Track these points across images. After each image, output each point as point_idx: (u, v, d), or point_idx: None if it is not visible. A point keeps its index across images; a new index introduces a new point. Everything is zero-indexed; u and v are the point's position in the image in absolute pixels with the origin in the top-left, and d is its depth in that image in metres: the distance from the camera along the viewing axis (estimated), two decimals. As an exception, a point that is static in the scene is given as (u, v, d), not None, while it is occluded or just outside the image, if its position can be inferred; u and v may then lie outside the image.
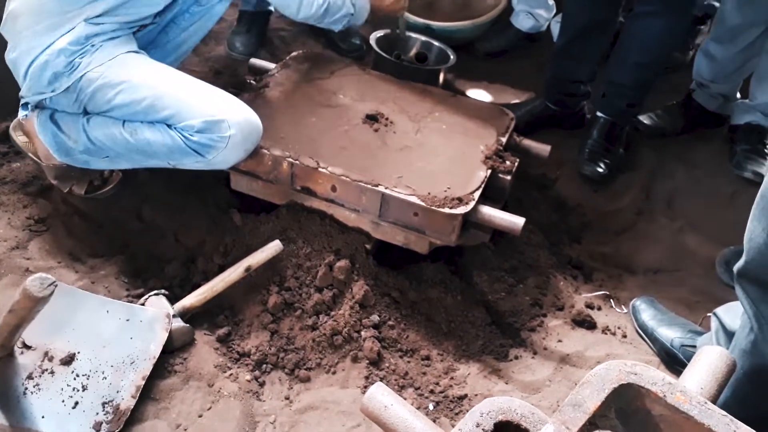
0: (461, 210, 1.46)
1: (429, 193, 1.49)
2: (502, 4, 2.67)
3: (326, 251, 1.53)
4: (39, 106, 1.59)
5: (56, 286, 1.03)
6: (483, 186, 1.53)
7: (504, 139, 1.71)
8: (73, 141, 1.56)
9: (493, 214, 1.50)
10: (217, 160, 1.49)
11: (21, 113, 1.63)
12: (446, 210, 1.46)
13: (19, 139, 1.71)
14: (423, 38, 2.25)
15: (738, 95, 2.32)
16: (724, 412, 0.66)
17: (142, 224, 1.67)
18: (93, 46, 1.49)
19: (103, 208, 1.70)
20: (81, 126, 1.54)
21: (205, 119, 1.44)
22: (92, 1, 1.47)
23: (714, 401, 0.75)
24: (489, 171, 1.58)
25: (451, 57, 2.17)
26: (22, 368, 1.28)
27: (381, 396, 0.80)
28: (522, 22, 2.68)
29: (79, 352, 1.32)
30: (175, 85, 1.50)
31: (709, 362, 0.80)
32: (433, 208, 1.46)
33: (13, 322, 1.08)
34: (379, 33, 2.18)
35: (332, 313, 1.47)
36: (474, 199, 1.48)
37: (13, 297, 1.21)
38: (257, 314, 1.46)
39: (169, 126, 1.47)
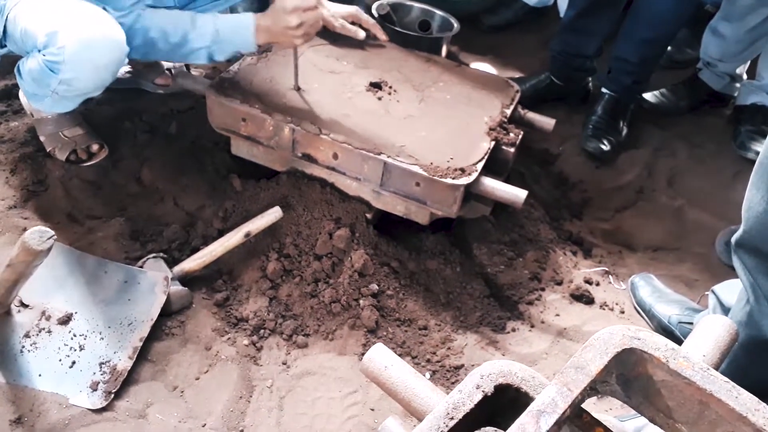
0: (463, 181, 1.45)
1: (431, 163, 1.47)
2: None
3: (326, 219, 1.52)
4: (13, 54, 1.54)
5: (55, 239, 1.01)
6: (486, 157, 1.52)
7: (509, 111, 1.69)
8: (34, 86, 1.50)
9: (495, 186, 1.49)
10: (70, 77, 1.35)
11: None
12: (448, 180, 1.44)
13: (21, 94, 1.69)
14: (426, 7, 2.22)
15: (744, 76, 2.30)
16: (726, 379, 0.66)
17: (141, 187, 1.66)
18: None
19: (102, 171, 1.69)
20: (23, 67, 1.47)
21: (46, 32, 1.32)
22: None
23: (716, 369, 0.75)
24: (492, 143, 1.56)
25: (455, 26, 2.14)
26: (19, 326, 1.28)
27: (381, 356, 0.80)
28: (529, -5, 2.64)
29: (76, 312, 1.31)
30: (47, 7, 1.39)
31: (712, 330, 0.79)
32: (435, 178, 1.44)
33: (12, 277, 1.07)
34: (383, 1, 2.14)
35: (331, 281, 1.46)
36: (477, 171, 1.47)
37: (10, 254, 1.20)
38: (256, 280, 1.45)
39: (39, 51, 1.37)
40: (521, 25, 2.67)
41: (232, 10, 1.87)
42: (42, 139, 1.69)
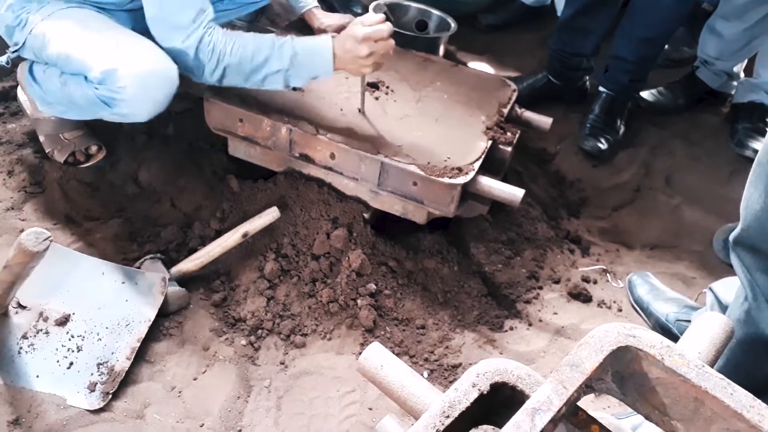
0: (461, 180, 1.45)
1: (428, 163, 1.47)
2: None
3: (324, 219, 1.52)
4: (22, 58, 1.56)
5: (51, 240, 1.02)
6: (483, 157, 1.52)
7: (505, 111, 1.69)
8: (46, 91, 1.53)
9: (492, 185, 1.49)
10: (126, 112, 1.39)
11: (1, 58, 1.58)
12: (445, 180, 1.44)
13: (20, 95, 1.69)
14: (423, 7, 2.22)
15: (742, 74, 2.30)
16: (722, 376, 0.66)
17: (138, 188, 1.66)
18: (39, 2, 1.44)
19: (99, 172, 1.69)
20: (45, 76, 1.51)
21: (102, 69, 1.34)
22: None
23: (711, 366, 0.75)
24: (489, 142, 1.56)
25: (452, 25, 2.14)
26: (16, 328, 1.28)
27: (378, 355, 0.80)
28: (527, -6, 2.64)
29: (74, 313, 1.31)
30: (92, 36, 1.41)
31: (708, 327, 0.79)
32: (432, 177, 1.44)
33: (8, 278, 1.07)
34: (379, 1, 2.14)
35: (329, 281, 1.46)
36: (474, 170, 1.47)
37: (7, 256, 1.20)
38: (253, 280, 1.45)
39: (86, 78, 1.40)
40: (518, 25, 2.67)
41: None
42: (41, 140, 1.69)
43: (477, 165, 1.48)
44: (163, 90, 1.39)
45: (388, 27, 1.40)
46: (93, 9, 1.47)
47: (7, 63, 1.53)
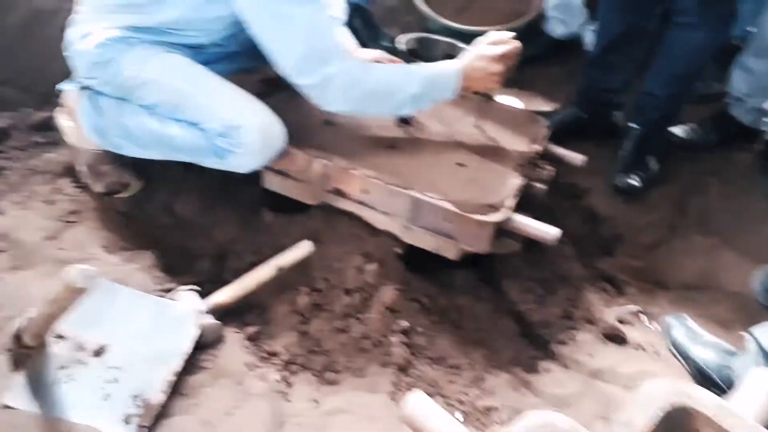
0: (495, 218, 1.45)
1: (462, 199, 1.48)
2: (533, 11, 2.66)
3: (356, 254, 1.53)
4: (84, 86, 1.62)
5: (98, 278, 1.03)
6: (517, 194, 1.52)
7: (539, 147, 1.69)
8: (109, 124, 1.58)
9: (527, 223, 1.49)
10: (235, 164, 1.51)
11: (62, 85, 1.65)
12: (479, 217, 1.45)
13: (63, 123, 1.74)
14: (452, 41, 2.24)
15: (775, 111, 2.28)
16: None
17: (173, 219, 1.69)
18: (130, 45, 1.50)
19: (135, 202, 1.72)
20: (118, 111, 1.57)
21: (224, 124, 1.45)
22: (138, 12, 1.48)
23: (765, 426, 0.73)
24: (524, 179, 1.56)
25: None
26: (55, 358, 1.29)
27: (421, 404, 0.80)
28: (554, 28, 2.66)
29: (111, 344, 1.32)
30: (202, 87, 1.50)
31: (759, 385, 0.78)
32: (465, 214, 1.45)
33: (53, 312, 1.09)
34: (408, 36, 2.17)
35: (361, 316, 1.46)
36: (508, 207, 1.47)
37: (46, 285, 1.23)
38: (287, 314, 1.46)
39: (193, 125, 1.49)
40: (547, 58, 2.68)
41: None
42: (79, 170, 1.73)
43: (511, 203, 1.49)
44: (277, 147, 1.51)
45: (519, 44, 1.53)
46: (180, 53, 1.53)
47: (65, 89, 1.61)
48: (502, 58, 1.49)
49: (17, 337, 1.24)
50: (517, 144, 1.69)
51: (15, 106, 2.03)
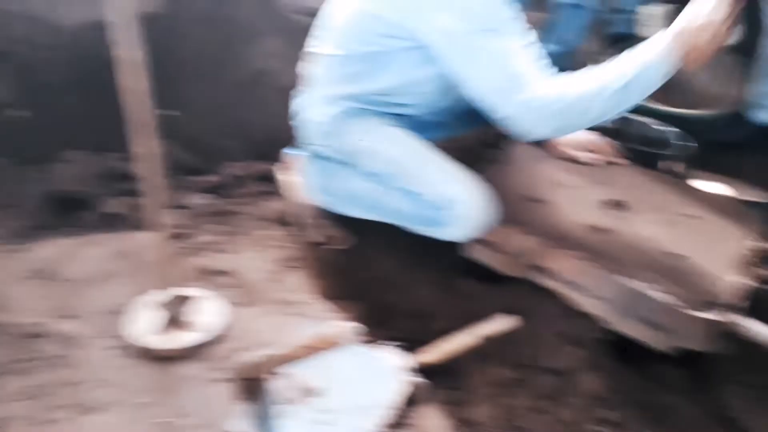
0: (716, 316, 1.37)
1: (678, 291, 1.41)
2: (738, 95, 2.52)
3: (561, 334, 1.51)
4: (312, 151, 1.81)
5: (353, 339, 1.12)
6: (745, 295, 1.42)
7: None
8: (336, 186, 1.75)
9: (754, 329, 1.38)
10: (446, 234, 1.62)
11: (288, 149, 1.86)
12: (699, 314, 1.37)
13: (284, 178, 1.95)
14: (660, 125, 2.18)
15: None
16: None
17: (381, 275, 1.79)
18: (355, 116, 1.67)
19: (343, 254, 1.85)
20: (344, 175, 1.73)
21: (441, 197, 1.56)
22: (360, 81, 1.64)
23: None
24: (753, 280, 1.46)
25: (690, 144, 2.08)
26: (276, 393, 1.41)
27: None
28: (760, 114, 2.50)
29: (327, 388, 1.42)
30: (419, 161, 1.63)
31: None
32: (683, 310, 1.38)
33: (297, 354, 1.20)
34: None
35: (561, 399, 1.43)
36: (731, 307, 1.38)
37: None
38: (486, 385, 1.46)
39: (410, 194, 1.61)
40: (752, 145, 2.51)
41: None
42: (299, 221, 1.91)
43: (736, 301, 1.39)
44: (489, 221, 1.59)
45: None
46: (398, 122, 1.68)
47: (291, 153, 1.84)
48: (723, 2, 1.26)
49: (251, 369, 1.38)
50: (742, 238, 1.58)
51: (240, 158, 2.32)
